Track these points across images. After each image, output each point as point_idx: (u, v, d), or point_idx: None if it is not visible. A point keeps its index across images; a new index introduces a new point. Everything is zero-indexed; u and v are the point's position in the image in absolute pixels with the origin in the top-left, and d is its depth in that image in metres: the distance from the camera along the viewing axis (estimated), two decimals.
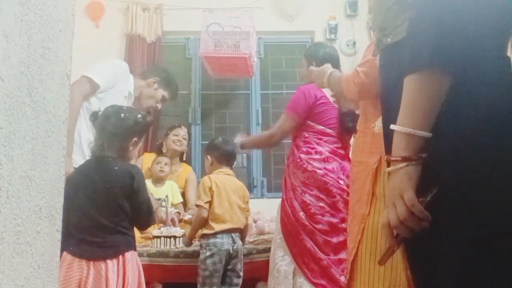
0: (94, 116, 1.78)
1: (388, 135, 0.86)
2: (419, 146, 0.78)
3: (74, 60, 0.86)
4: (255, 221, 3.18)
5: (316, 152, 2.27)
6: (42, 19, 0.69)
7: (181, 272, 2.37)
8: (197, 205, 2.31)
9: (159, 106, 2.53)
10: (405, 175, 0.77)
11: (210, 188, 2.24)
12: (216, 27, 3.18)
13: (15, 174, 0.60)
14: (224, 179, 2.32)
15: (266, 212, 3.30)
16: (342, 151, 2.33)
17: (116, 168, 1.69)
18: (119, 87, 2.23)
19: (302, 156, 2.26)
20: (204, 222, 2.24)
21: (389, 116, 0.88)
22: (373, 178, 1.37)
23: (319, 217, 2.18)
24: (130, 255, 1.66)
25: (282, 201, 2.30)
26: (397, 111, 0.82)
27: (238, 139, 2.50)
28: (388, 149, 0.87)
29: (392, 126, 0.82)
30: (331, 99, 2.17)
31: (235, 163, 2.48)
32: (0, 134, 0.56)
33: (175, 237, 2.44)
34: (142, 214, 1.72)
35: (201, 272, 2.18)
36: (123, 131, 1.73)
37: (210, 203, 2.24)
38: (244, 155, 3.79)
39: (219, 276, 2.18)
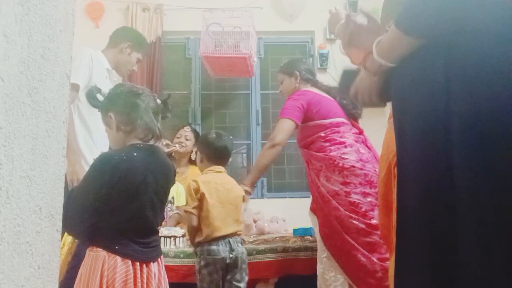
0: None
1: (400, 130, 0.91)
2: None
3: None
4: (255, 221, 3.18)
5: (345, 146, 2.13)
6: (42, 19, 0.68)
7: (181, 272, 2.36)
8: (185, 211, 2.09)
9: (135, 68, 2.51)
10: None
11: (197, 190, 2.00)
12: (216, 27, 3.18)
13: (15, 174, 0.60)
14: (214, 178, 2.06)
15: (266, 212, 3.30)
16: (362, 137, 2.23)
17: (167, 161, 1.53)
18: (96, 73, 2.20)
19: (333, 154, 2.11)
20: (196, 229, 2.03)
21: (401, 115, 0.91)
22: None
23: (371, 213, 2.01)
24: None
25: (323, 217, 2.10)
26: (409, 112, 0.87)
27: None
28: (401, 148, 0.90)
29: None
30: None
31: (230, 161, 2.21)
32: (0, 134, 0.56)
33: (175, 237, 2.44)
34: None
35: (198, 283, 2.01)
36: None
37: (200, 207, 2.00)
38: (244, 155, 3.80)
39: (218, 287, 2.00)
